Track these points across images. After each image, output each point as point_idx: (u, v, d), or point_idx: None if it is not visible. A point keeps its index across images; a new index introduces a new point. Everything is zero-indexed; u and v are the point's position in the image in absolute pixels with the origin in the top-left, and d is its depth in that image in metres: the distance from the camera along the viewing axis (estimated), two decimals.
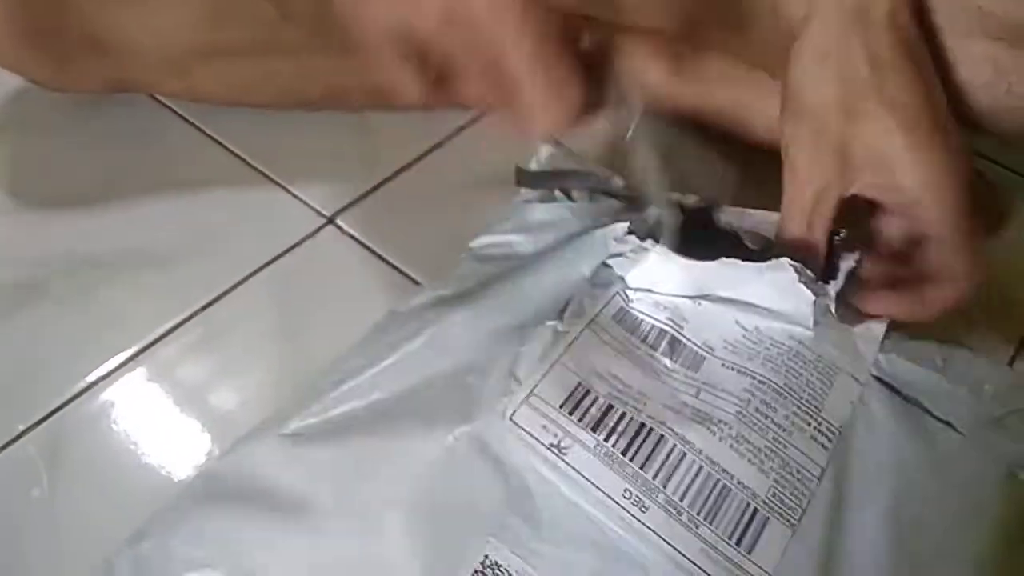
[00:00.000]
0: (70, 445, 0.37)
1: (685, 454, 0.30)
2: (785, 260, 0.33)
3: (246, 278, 0.43)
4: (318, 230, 0.46)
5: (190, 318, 0.41)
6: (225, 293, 0.42)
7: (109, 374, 0.39)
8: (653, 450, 0.30)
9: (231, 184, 0.47)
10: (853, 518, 0.30)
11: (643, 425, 0.30)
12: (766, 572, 0.28)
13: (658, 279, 0.35)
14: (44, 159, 0.49)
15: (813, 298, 0.34)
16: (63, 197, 0.46)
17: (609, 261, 0.36)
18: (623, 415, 0.31)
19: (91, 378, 0.39)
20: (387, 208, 0.47)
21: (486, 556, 0.27)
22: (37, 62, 0.45)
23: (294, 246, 0.45)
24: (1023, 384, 0.35)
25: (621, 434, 0.30)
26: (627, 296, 0.35)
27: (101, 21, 0.43)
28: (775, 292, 0.34)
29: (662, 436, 0.30)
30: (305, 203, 0.47)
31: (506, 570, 0.27)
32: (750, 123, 0.46)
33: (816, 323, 0.34)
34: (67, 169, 0.48)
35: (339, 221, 0.46)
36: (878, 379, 0.34)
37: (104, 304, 0.42)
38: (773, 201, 0.36)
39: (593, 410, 0.30)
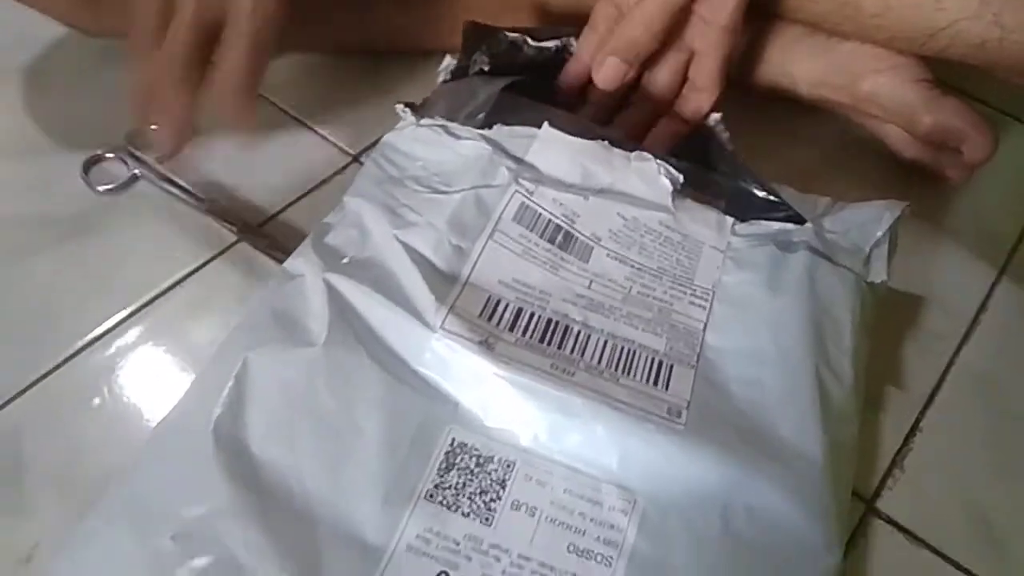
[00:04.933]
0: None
1: (590, 334, 0.36)
2: (647, 153, 0.41)
3: (277, 213, 0.46)
4: (345, 167, 0.48)
5: (226, 249, 0.44)
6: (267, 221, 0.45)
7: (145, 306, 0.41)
8: (564, 336, 0.35)
9: (260, 127, 0.49)
10: (739, 348, 0.36)
11: (550, 320, 0.36)
12: (685, 400, 0.34)
13: (547, 162, 0.41)
14: (77, 106, 0.49)
15: (671, 188, 0.40)
16: (96, 143, 0.47)
17: (501, 143, 0.41)
18: (532, 315, 0.36)
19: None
20: None
21: (452, 439, 0.32)
22: (75, 6, 0.46)
23: (322, 183, 0.47)
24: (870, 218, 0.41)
25: (534, 330, 0.35)
26: (526, 190, 0.39)
27: None
28: (643, 183, 0.41)
29: (568, 325, 0.36)
30: (332, 143, 0.49)
31: (472, 447, 0.32)
32: (794, 80, 0.49)
33: (677, 207, 0.40)
34: (99, 116, 0.48)
35: (363, 159, 0.48)
36: (739, 244, 0.40)
37: (142, 234, 0.44)
38: None
39: (507, 315, 0.35)
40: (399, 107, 0.43)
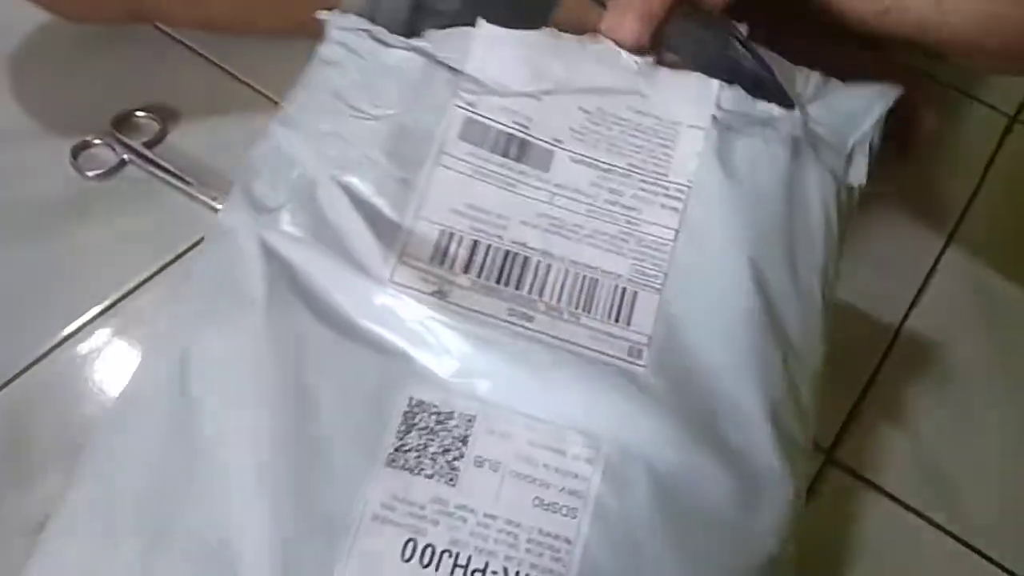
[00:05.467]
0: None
1: (551, 265, 0.34)
2: (600, 36, 0.37)
3: None
4: None
5: None
6: None
7: (133, 289, 0.43)
8: (522, 271, 0.33)
9: (242, 111, 0.50)
10: (711, 263, 0.34)
11: (508, 253, 0.34)
12: (645, 335, 0.32)
13: (489, 66, 0.37)
14: (62, 93, 0.50)
15: (636, 67, 0.37)
16: (82, 129, 0.48)
17: (434, 52, 0.37)
18: (488, 248, 0.33)
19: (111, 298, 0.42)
20: None
21: (410, 397, 0.31)
22: None
23: None
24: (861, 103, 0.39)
25: (491, 267, 0.33)
26: (467, 103, 0.36)
27: None
28: (603, 67, 0.37)
29: (526, 258, 0.34)
30: None
31: (430, 404, 0.31)
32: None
33: (648, 83, 0.37)
34: (85, 102, 0.49)
35: None
36: (722, 120, 0.37)
37: (134, 217, 0.45)
38: None
39: (461, 253, 0.33)
40: (322, 13, 0.39)
